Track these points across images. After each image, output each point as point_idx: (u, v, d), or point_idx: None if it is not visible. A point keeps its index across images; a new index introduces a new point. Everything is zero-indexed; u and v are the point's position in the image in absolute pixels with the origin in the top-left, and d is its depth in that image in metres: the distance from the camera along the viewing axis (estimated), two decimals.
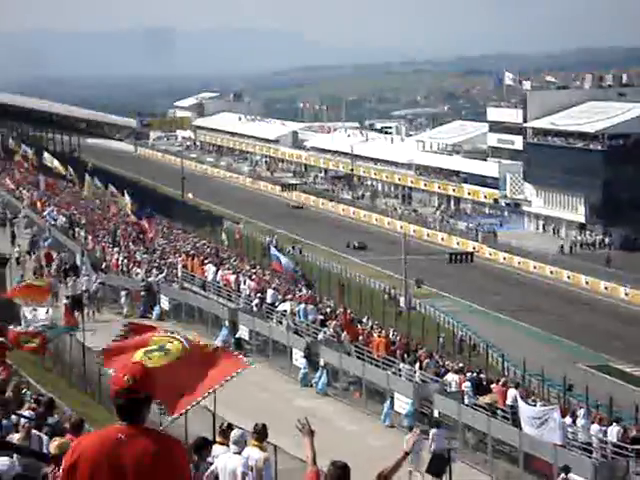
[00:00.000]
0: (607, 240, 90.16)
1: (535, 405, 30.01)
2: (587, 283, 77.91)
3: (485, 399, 31.02)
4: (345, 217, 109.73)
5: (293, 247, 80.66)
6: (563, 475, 23.90)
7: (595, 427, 28.64)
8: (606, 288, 75.78)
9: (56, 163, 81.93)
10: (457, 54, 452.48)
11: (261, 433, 12.56)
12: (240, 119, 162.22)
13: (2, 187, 77.01)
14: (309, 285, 53.64)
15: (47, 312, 27.11)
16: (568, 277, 79.95)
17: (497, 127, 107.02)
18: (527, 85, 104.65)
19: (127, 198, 68.77)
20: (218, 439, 13.28)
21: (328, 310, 41.99)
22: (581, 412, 30.26)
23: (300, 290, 47.18)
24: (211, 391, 11.14)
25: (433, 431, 27.21)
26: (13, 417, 13.09)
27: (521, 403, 28.72)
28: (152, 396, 5.51)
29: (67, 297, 38.95)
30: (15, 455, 10.47)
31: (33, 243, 55.11)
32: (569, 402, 37.68)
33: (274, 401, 32.39)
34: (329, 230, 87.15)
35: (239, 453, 12.17)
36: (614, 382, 51.42)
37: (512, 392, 30.76)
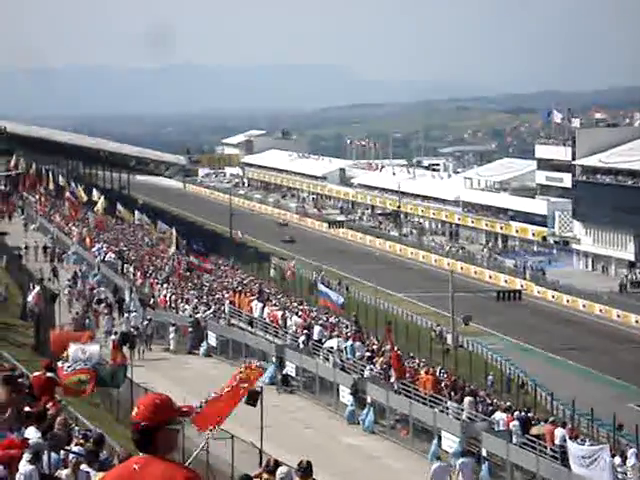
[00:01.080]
0: None
1: (584, 444, 29.67)
2: (637, 322, 77.08)
3: (533, 431, 30.75)
4: (392, 254, 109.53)
5: (339, 283, 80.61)
6: None
7: None
8: None
9: (103, 200, 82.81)
10: (504, 91, 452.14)
11: (306, 470, 12.54)
12: (290, 156, 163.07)
13: (52, 223, 77.79)
14: (357, 322, 53.61)
15: (100, 348, 27.00)
16: (618, 316, 79.17)
17: (545, 165, 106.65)
18: (576, 122, 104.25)
19: (174, 234, 69.35)
20: (265, 476, 13.26)
21: (375, 347, 41.87)
22: (631, 452, 29.87)
23: (347, 327, 47.12)
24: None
25: (460, 461, 26.97)
26: (62, 452, 13.15)
27: (570, 442, 28.41)
28: (161, 426, 5.70)
29: (116, 333, 39.21)
30: None
31: (75, 278, 55.52)
32: (619, 442, 37.23)
33: (320, 438, 32.30)
34: (376, 267, 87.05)
35: None
36: None
37: (560, 431, 30.44)
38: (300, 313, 46.43)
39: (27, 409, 12.24)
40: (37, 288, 44.87)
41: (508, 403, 35.86)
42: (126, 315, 45.42)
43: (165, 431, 5.70)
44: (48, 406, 14.36)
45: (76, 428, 17.53)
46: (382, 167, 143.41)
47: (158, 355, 43.23)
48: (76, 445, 14.15)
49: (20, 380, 11.34)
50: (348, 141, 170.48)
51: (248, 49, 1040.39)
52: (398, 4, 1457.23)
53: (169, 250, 67.92)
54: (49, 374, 16.56)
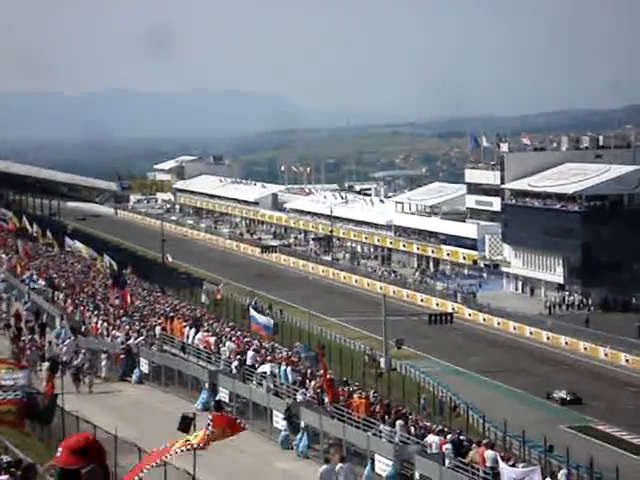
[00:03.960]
0: (586, 301, 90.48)
1: (516, 466, 29.98)
2: (567, 343, 78.05)
3: (470, 456, 30.98)
4: (325, 278, 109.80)
5: (270, 308, 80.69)
6: None
7: None
8: (585, 349, 75.93)
9: (35, 227, 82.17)
10: (435, 116, 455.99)
11: None
12: (221, 181, 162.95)
13: None
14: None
15: (29, 372, 26.73)
16: (548, 338, 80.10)
17: (475, 189, 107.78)
18: (504, 147, 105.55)
19: (106, 260, 68.87)
20: None
21: (308, 371, 41.92)
22: (562, 473, 30.27)
23: (280, 351, 47.13)
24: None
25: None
26: None
27: (502, 464, 28.70)
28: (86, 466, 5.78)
29: (48, 360, 38.87)
30: None
31: None
32: (550, 463, 37.67)
33: (255, 464, 32.25)
34: (309, 291, 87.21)
35: None
36: (595, 443, 51.38)
37: (490, 453, 30.73)
38: (233, 338, 46.34)
39: None
40: None
41: (441, 426, 36.10)
42: (55, 342, 45.03)
43: (90, 471, 5.74)
44: None
45: (5, 457, 17.36)
46: (314, 192, 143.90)
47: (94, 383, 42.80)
48: (5, 474, 14.05)
49: None
50: (281, 167, 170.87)
51: (183, 74, 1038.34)
52: (333, 31, 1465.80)
53: (99, 277, 67.47)
54: None
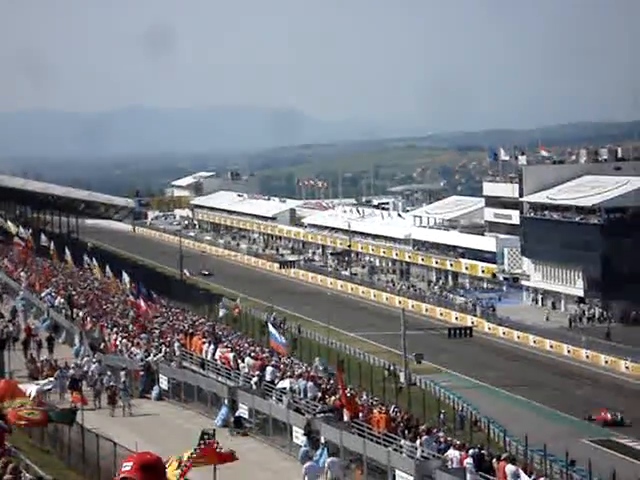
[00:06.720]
0: (606, 314, 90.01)
1: None
2: (587, 357, 77.66)
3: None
4: (344, 293, 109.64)
5: (284, 322, 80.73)
6: None
7: None
8: (606, 362, 75.52)
9: (52, 245, 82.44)
10: (453, 130, 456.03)
11: None
12: (240, 196, 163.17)
13: (0, 269, 76.95)
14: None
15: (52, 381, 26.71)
16: (568, 351, 79.70)
17: (493, 202, 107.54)
18: (523, 160, 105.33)
19: (125, 278, 68.95)
20: None
21: (328, 387, 41.78)
22: None
23: (299, 366, 47.02)
24: None
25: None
26: None
27: (525, 477, 28.41)
28: None
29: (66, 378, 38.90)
30: None
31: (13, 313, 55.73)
32: (572, 477, 37.40)
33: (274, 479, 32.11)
34: (328, 306, 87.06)
35: None
36: (617, 457, 51.02)
37: (510, 468, 30.50)
38: (253, 354, 46.26)
39: None
40: None
41: (461, 441, 35.89)
42: (77, 361, 45.12)
43: None
44: None
45: (27, 475, 17.32)
46: (332, 207, 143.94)
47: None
48: None
49: None
50: (299, 182, 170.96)
51: (199, 91, 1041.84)
52: (349, 45, 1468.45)
53: (118, 293, 67.57)
54: None
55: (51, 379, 35.04)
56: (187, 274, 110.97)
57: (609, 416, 58.98)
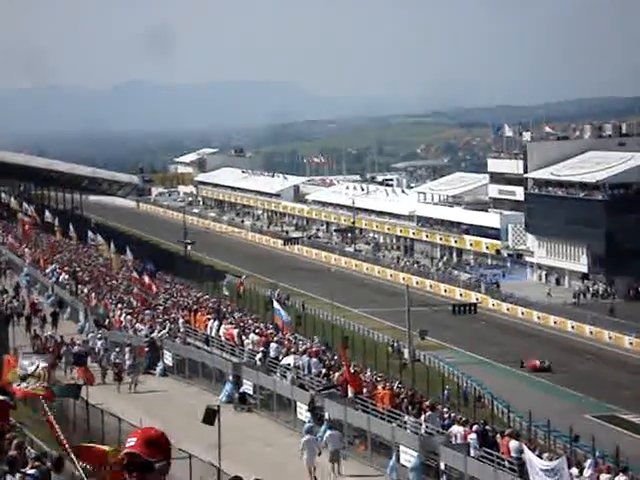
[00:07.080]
0: (610, 290, 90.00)
1: (541, 457, 29.77)
2: (591, 333, 77.71)
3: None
4: (348, 270, 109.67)
5: (287, 299, 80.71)
6: None
7: (603, 477, 28.44)
8: (610, 338, 75.58)
9: (57, 221, 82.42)
10: (456, 106, 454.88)
11: None
12: (243, 173, 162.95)
13: (4, 245, 77.01)
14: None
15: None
16: (572, 327, 79.76)
17: (498, 178, 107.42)
18: (527, 136, 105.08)
19: (129, 254, 69.01)
20: None
21: (332, 363, 41.84)
22: (588, 463, 30.06)
23: (304, 343, 47.07)
24: None
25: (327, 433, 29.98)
26: (17, 475, 13.02)
27: (531, 455, 28.43)
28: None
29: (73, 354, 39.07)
30: None
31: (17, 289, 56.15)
32: (575, 453, 37.47)
33: (279, 455, 32.21)
34: (332, 283, 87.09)
35: None
36: (621, 432, 51.13)
37: (514, 443, 30.56)
38: (257, 330, 46.31)
39: None
40: None
41: (465, 416, 35.92)
42: (82, 336, 45.26)
43: (162, 467, 5.90)
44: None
45: (32, 451, 17.36)
46: (336, 183, 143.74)
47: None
48: (31, 468, 14.03)
49: None
50: (302, 158, 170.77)
51: (200, 66, 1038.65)
52: (350, 21, 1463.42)
53: (122, 269, 67.61)
54: (1, 397, 16.37)
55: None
56: (189, 249, 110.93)
57: (538, 363, 66.55)
